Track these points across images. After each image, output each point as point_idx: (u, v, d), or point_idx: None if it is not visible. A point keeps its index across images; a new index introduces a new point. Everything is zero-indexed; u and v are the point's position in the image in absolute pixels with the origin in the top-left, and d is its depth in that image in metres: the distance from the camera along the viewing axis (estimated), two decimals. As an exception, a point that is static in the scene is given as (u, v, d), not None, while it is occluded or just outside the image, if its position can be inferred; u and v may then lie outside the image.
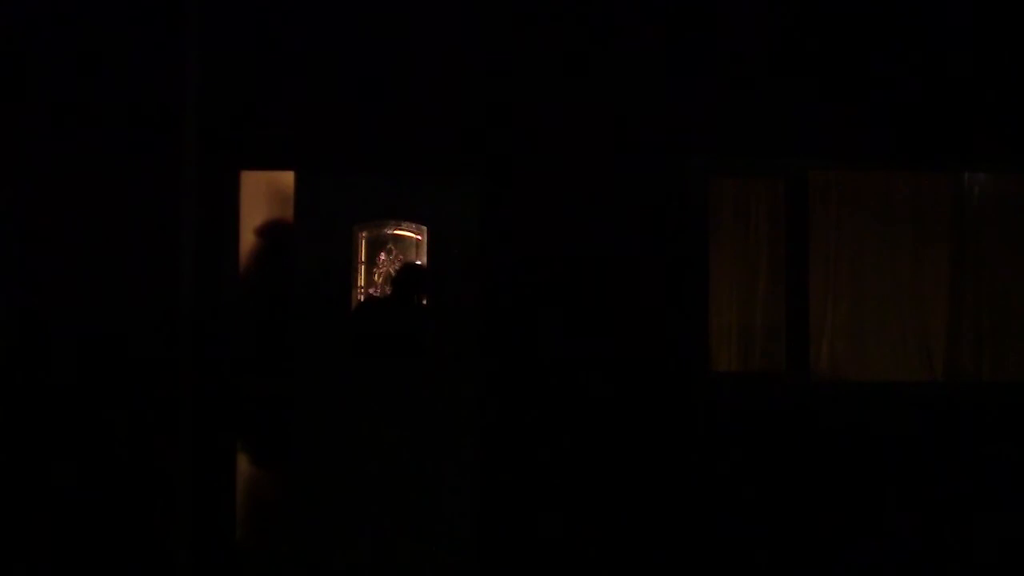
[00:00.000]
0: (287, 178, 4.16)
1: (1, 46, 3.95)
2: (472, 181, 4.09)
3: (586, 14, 4.07)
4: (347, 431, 4.05)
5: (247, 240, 4.26)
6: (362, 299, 3.98)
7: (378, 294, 3.99)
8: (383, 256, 4.14)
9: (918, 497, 4.03)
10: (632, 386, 3.99)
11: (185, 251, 3.93)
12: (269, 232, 4.40)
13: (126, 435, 3.86)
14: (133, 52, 3.96)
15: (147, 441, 3.87)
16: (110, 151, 3.94)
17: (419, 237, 4.14)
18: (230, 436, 4.01)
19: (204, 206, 3.95)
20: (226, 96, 3.99)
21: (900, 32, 4.13)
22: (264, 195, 4.37)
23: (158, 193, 3.94)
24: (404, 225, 4.16)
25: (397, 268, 3.81)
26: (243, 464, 4.23)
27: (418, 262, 3.82)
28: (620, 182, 4.04)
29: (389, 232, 4.16)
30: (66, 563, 3.83)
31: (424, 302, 3.90)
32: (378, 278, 4.15)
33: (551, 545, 3.96)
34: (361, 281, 4.15)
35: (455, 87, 4.04)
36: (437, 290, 4.09)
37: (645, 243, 4.03)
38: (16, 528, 3.83)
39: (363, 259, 4.15)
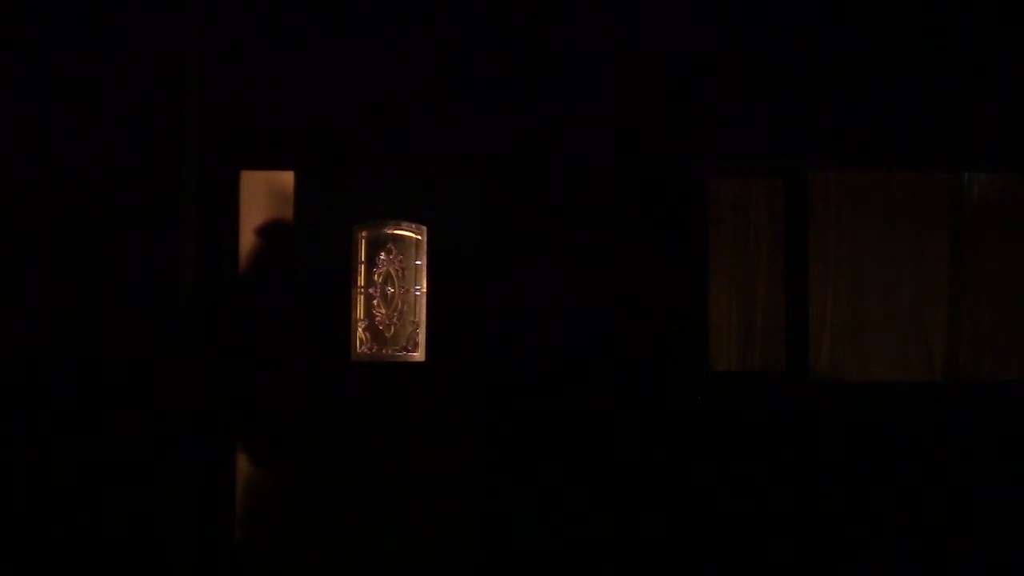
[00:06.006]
0: (287, 178, 4.16)
1: (1, 43, 3.96)
2: (472, 181, 4.10)
3: (585, 16, 4.07)
4: (347, 431, 4.05)
5: (247, 240, 4.26)
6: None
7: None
8: (383, 256, 4.14)
9: (918, 497, 4.03)
10: (632, 386, 4.00)
11: (185, 251, 3.93)
12: (269, 232, 4.40)
13: (126, 435, 3.86)
14: (133, 52, 3.97)
15: (147, 441, 3.87)
16: (110, 151, 3.95)
17: (419, 237, 4.14)
18: (230, 436, 4.02)
19: (204, 206, 3.96)
20: (226, 96, 4.00)
21: (900, 30, 4.14)
22: (264, 195, 4.37)
23: (158, 193, 3.94)
24: (404, 225, 4.15)
25: None
26: (243, 464, 4.23)
27: None
28: (620, 182, 4.05)
29: (389, 232, 4.15)
30: (66, 563, 3.83)
31: None
32: (378, 278, 4.14)
33: (551, 548, 3.96)
34: (361, 281, 4.14)
35: (455, 87, 4.05)
36: (437, 288, 4.10)
37: (645, 243, 4.04)
38: (15, 527, 3.83)
39: (363, 259, 4.15)
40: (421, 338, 4.13)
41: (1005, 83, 4.15)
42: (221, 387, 3.96)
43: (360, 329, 4.12)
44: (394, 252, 4.16)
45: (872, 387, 4.12)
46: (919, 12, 4.14)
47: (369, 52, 4.04)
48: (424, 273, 4.13)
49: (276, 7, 4.04)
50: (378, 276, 4.15)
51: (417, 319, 4.13)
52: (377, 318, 4.14)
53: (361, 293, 4.13)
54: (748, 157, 4.12)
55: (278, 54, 4.02)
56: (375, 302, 4.14)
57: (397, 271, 4.13)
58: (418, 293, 4.13)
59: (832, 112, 4.11)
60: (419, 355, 4.12)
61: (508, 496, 3.98)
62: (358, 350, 4.11)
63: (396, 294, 4.13)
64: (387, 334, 4.14)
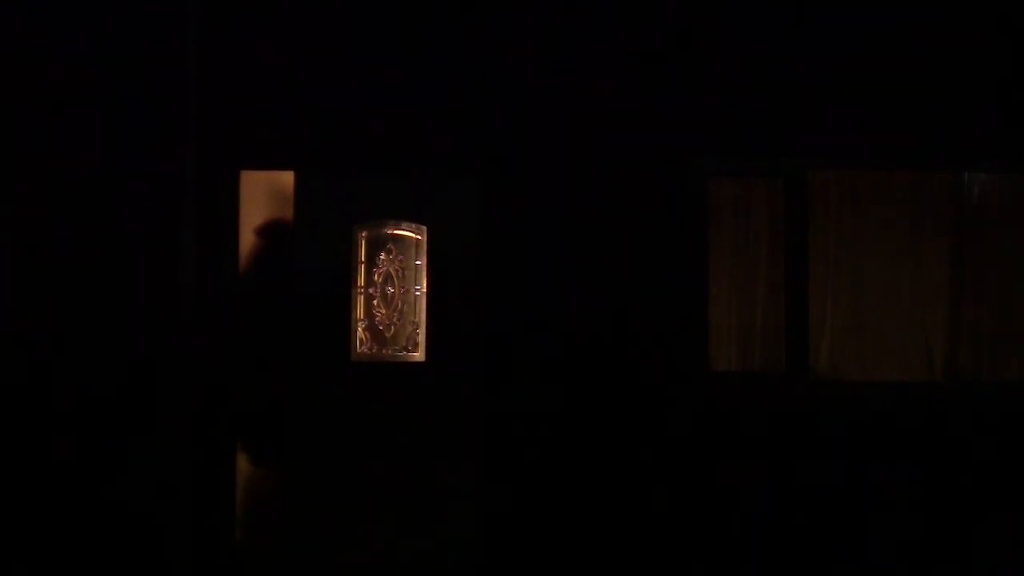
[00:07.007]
0: (287, 178, 4.16)
1: (1, 46, 3.96)
2: (472, 181, 4.10)
3: (586, 14, 4.07)
4: (347, 431, 4.05)
5: (247, 240, 4.26)
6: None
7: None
8: (383, 256, 4.14)
9: (918, 497, 4.03)
10: (632, 386, 4.00)
11: (185, 251, 3.93)
12: (269, 232, 4.40)
13: (126, 434, 3.86)
14: (133, 52, 3.97)
15: (147, 441, 3.87)
16: (110, 151, 3.95)
17: (419, 237, 4.15)
18: (230, 436, 4.02)
19: (204, 206, 3.96)
20: (226, 96, 4.00)
21: (899, 29, 4.14)
22: (264, 195, 4.37)
23: (158, 193, 3.94)
24: (404, 225, 4.16)
25: None
26: (243, 464, 4.23)
27: None
28: (620, 182, 4.05)
29: (389, 232, 4.15)
30: (66, 562, 3.83)
31: None
32: (378, 278, 4.14)
33: (552, 547, 3.96)
34: (361, 281, 4.14)
35: (456, 87, 4.05)
36: (437, 288, 4.10)
37: (645, 243, 4.04)
38: (15, 527, 3.83)
39: (363, 259, 4.15)
40: (421, 338, 4.13)
41: (1005, 83, 4.14)
42: (221, 387, 3.96)
43: (360, 329, 4.12)
44: (394, 252, 4.16)
45: (872, 387, 4.11)
46: (918, 11, 4.14)
47: (369, 52, 4.04)
48: (424, 273, 4.13)
49: (276, 7, 4.04)
50: (378, 276, 4.15)
51: (417, 319, 4.13)
52: (377, 318, 4.14)
53: (361, 293, 4.13)
54: (748, 157, 4.12)
55: (278, 54, 4.02)
56: (375, 302, 4.14)
57: (397, 271, 4.13)
58: (418, 293, 4.13)
59: (832, 112, 4.11)
60: (419, 355, 4.12)
61: (509, 496, 3.98)
62: (358, 350, 4.11)
63: (396, 294, 4.13)
64: (387, 334, 4.14)
